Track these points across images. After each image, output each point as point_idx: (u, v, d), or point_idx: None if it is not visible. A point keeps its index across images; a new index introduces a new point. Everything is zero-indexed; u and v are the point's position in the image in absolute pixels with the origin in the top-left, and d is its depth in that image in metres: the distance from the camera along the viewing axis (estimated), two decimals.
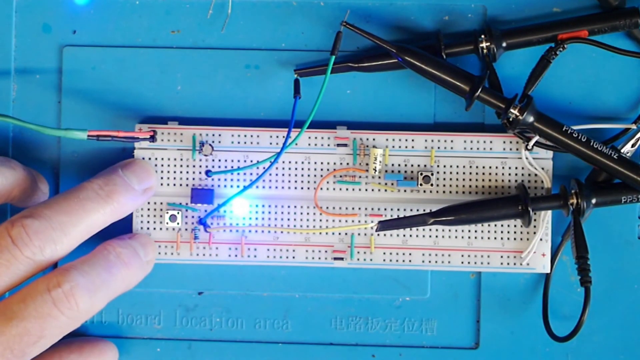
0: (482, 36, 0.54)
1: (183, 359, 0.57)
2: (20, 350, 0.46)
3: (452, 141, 0.55)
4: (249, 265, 0.55)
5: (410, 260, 0.55)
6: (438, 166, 0.55)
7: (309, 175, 0.55)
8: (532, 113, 0.52)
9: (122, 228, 0.55)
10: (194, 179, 0.55)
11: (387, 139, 0.55)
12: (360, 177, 0.55)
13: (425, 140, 0.55)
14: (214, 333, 0.57)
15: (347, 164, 0.55)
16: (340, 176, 0.55)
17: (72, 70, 0.56)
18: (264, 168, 0.54)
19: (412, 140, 0.55)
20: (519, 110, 0.52)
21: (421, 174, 0.54)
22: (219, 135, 0.55)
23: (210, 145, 0.54)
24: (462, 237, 0.55)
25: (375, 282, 0.56)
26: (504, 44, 0.54)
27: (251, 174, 0.55)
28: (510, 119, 0.52)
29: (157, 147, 0.55)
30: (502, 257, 0.55)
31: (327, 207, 0.55)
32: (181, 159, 0.55)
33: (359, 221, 0.55)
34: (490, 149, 0.55)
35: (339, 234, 0.55)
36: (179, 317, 0.57)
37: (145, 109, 0.56)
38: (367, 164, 0.55)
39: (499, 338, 0.56)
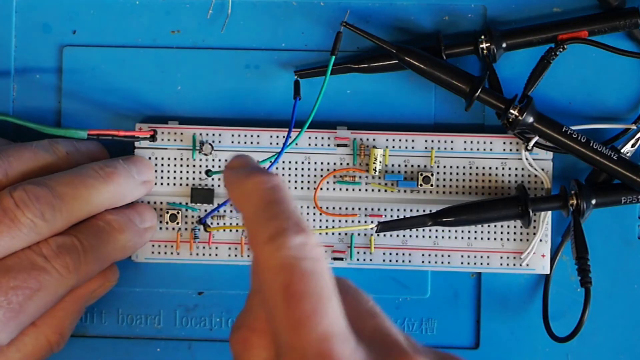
0: (482, 37, 0.54)
1: (183, 359, 0.57)
2: (17, 303, 0.48)
3: (452, 142, 0.55)
4: (249, 265, 0.55)
5: (410, 261, 0.55)
6: (438, 167, 0.55)
7: (309, 175, 0.55)
8: (531, 113, 0.52)
9: None
10: (194, 178, 0.55)
11: (387, 139, 0.55)
12: (360, 177, 0.55)
13: (425, 141, 0.55)
14: (214, 333, 0.57)
15: (347, 164, 0.55)
16: (341, 176, 0.55)
17: (72, 70, 0.56)
18: None
19: (412, 140, 0.55)
20: (518, 110, 0.52)
21: (421, 175, 0.54)
22: (219, 135, 0.55)
23: (210, 145, 0.54)
24: (462, 238, 0.55)
25: (375, 282, 0.56)
26: (504, 45, 0.54)
27: None
28: (510, 120, 0.52)
29: (157, 147, 0.55)
30: (501, 257, 0.55)
31: (327, 207, 0.55)
32: (181, 159, 0.55)
33: (359, 221, 0.55)
34: (490, 149, 0.55)
35: (339, 234, 0.55)
36: (179, 317, 0.57)
37: (145, 109, 0.56)
38: (367, 164, 0.55)
39: (499, 338, 0.56)
